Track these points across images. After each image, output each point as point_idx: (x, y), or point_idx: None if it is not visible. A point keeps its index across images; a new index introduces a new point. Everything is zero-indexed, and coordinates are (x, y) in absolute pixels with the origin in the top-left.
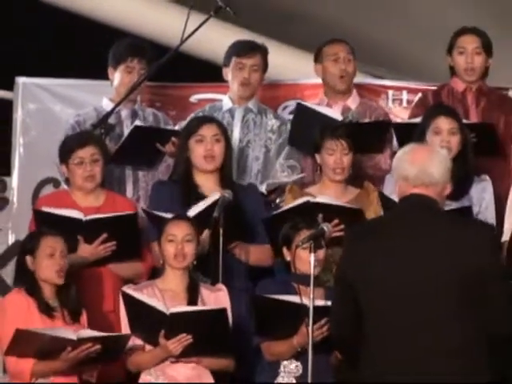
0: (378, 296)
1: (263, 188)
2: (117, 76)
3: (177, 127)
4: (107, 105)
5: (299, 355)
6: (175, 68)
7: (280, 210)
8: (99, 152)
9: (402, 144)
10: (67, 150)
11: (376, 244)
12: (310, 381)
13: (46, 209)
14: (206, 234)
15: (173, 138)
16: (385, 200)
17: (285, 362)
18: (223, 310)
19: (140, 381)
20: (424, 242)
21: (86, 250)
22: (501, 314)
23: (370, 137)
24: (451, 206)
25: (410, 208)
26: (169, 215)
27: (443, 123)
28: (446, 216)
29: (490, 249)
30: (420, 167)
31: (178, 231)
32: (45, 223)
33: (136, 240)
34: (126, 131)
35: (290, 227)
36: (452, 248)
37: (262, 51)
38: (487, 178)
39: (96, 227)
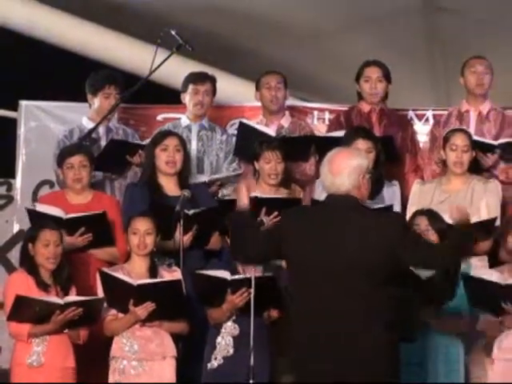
0: (301, 266)
1: (206, 179)
2: (96, 101)
3: (144, 142)
4: (87, 123)
5: (237, 318)
6: (145, 93)
7: (235, 198)
8: (87, 159)
9: (320, 153)
10: (61, 157)
11: (303, 225)
12: (252, 340)
13: (37, 208)
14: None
15: (140, 151)
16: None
17: (224, 324)
18: (179, 281)
19: (114, 342)
20: (341, 228)
21: (68, 241)
22: (433, 252)
23: (297, 148)
24: (372, 205)
25: (332, 202)
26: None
27: (360, 144)
28: (362, 209)
29: (402, 225)
30: (331, 180)
31: (141, 226)
32: (35, 219)
33: (107, 231)
34: (104, 144)
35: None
36: (364, 233)
37: (212, 80)
38: (397, 183)
39: (74, 223)
